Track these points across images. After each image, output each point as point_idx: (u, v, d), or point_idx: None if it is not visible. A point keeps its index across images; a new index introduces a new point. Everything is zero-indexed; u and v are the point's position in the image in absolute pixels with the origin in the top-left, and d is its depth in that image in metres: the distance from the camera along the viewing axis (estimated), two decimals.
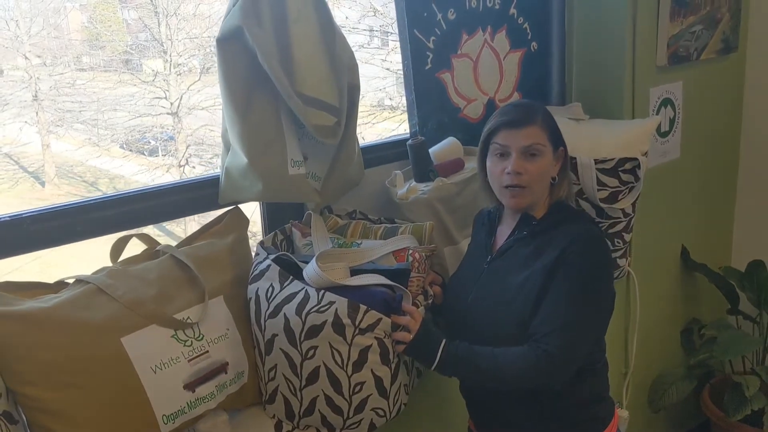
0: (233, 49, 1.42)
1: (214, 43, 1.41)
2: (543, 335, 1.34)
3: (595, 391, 1.50)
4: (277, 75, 1.41)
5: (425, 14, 1.82)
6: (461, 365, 1.39)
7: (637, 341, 2.34)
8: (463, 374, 1.44)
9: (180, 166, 6.34)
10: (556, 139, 1.45)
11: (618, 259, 1.99)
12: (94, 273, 1.35)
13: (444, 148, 1.86)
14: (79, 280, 1.32)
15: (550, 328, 1.34)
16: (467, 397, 1.60)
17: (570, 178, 1.52)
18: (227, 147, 1.54)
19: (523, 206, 1.44)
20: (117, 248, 1.43)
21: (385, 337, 1.38)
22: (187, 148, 6.40)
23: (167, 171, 6.51)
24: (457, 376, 1.46)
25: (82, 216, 1.42)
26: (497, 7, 1.98)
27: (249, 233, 1.62)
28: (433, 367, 1.40)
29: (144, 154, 6.94)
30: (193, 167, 6.31)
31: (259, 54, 1.39)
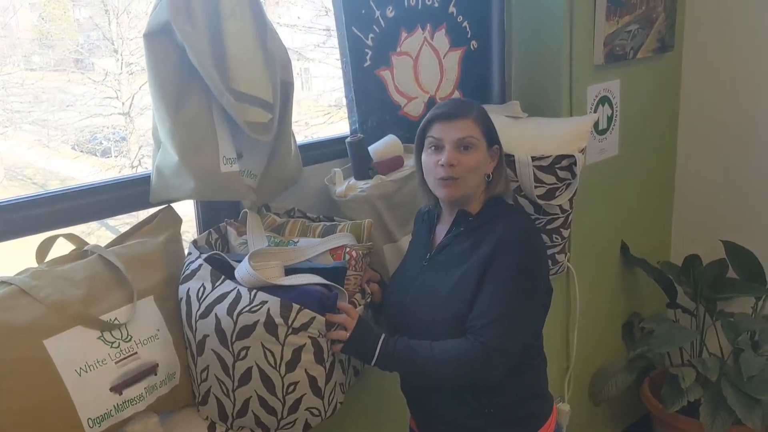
0: (162, 44, 1.39)
1: (141, 38, 1.39)
2: (478, 327, 1.35)
3: (532, 388, 1.51)
4: (208, 72, 1.39)
5: (363, 11, 1.82)
6: (400, 360, 1.39)
7: (578, 336, 2.38)
8: (402, 369, 1.44)
9: (133, 167, 6.21)
10: (491, 136, 1.47)
11: (557, 255, 2.02)
12: (17, 274, 1.32)
13: (384, 146, 1.86)
14: (1, 281, 1.28)
15: (484, 320, 1.35)
16: (408, 395, 1.60)
17: (506, 176, 1.54)
18: (158, 145, 1.51)
19: (455, 197, 1.45)
20: (43, 248, 1.39)
21: (319, 336, 1.37)
22: (139, 149, 6.27)
23: (119, 172, 6.37)
24: (397, 371, 1.46)
25: (7, 215, 1.38)
26: (436, 5, 1.99)
27: (183, 232, 1.59)
28: (372, 363, 1.40)
29: (96, 155, 6.78)
30: (146, 168, 6.18)
31: (188, 50, 1.37)
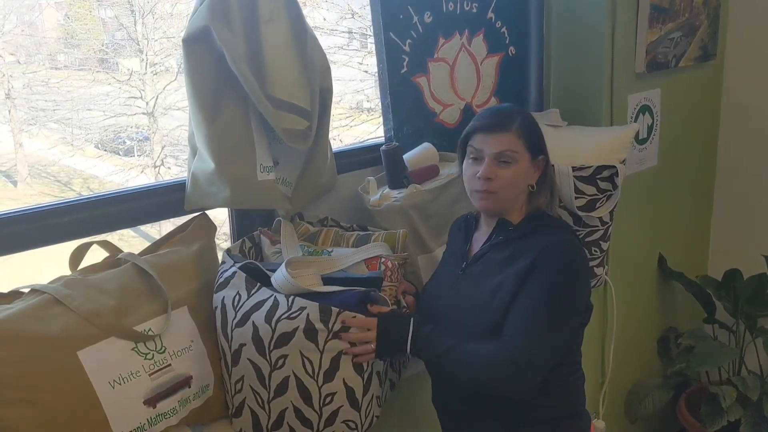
0: (200, 49, 1.38)
1: (180, 42, 1.36)
2: (508, 338, 1.32)
3: (569, 406, 1.47)
4: (246, 78, 1.36)
5: (401, 16, 1.79)
6: (432, 346, 1.36)
7: (614, 350, 2.32)
8: (433, 356, 1.38)
9: (155, 166, 6.25)
10: (535, 148, 1.42)
11: (595, 268, 1.96)
12: (50, 282, 1.29)
13: (419, 154, 1.83)
14: (35, 290, 1.26)
15: (515, 332, 1.32)
16: (440, 410, 1.56)
17: (552, 187, 1.49)
18: (194, 151, 1.49)
19: (490, 210, 1.43)
20: (76, 256, 1.38)
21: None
22: (162, 149, 6.31)
23: (142, 171, 6.41)
24: (428, 359, 1.41)
25: (43, 221, 1.37)
26: (475, 10, 1.95)
27: (217, 240, 1.57)
28: (408, 351, 1.36)
29: (119, 154, 6.83)
30: (169, 168, 6.22)
31: (227, 56, 1.35)
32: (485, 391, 1.39)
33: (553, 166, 1.50)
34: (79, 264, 1.37)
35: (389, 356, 1.44)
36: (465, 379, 1.37)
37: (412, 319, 1.38)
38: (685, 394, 2.60)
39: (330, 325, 1.31)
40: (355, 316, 1.33)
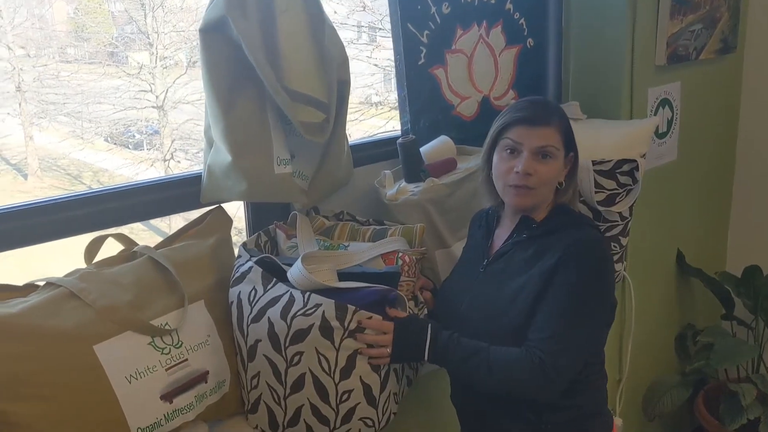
0: (217, 40, 1.35)
1: (197, 33, 1.34)
2: (535, 342, 1.29)
3: (592, 405, 1.44)
4: (263, 69, 1.34)
5: (419, 7, 1.76)
6: (452, 355, 1.33)
7: (631, 347, 2.29)
8: (453, 364, 1.36)
9: (165, 160, 6.25)
10: (569, 144, 1.39)
11: (614, 264, 1.94)
12: (66, 275, 1.28)
13: (436, 148, 1.80)
14: (50, 283, 1.24)
15: (544, 335, 1.29)
16: (459, 408, 1.54)
17: (576, 184, 1.46)
18: (210, 144, 1.47)
19: (526, 207, 1.39)
20: (91, 249, 1.36)
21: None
22: (172, 143, 6.31)
23: (152, 165, 6.42)
24: (448, 367, 1.39)
25: (55, 215, 1.35)
26: (493, 1, 1.92)
27: (232, 234, 1.55)
28: (426, 358, 1.33)
29: (128, 148, 6.84)
30: (179, 162, 6.22)
31: (244, 46, 1.32)
32: (510, 395, 1.36)
33: None
34: (94, 257, 1.35)
35: (405, 361, 1.41)
36: (488, 385, 1.34)
37: (430, 325, 1.35)
38: (702, 391, 2.56)
39: (346, 324, 1.29)
40: (371, 317, 1.30)
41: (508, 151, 1.36)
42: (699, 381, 2.55)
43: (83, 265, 1.33)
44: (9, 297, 1.21)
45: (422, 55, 1.79)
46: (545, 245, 1.36)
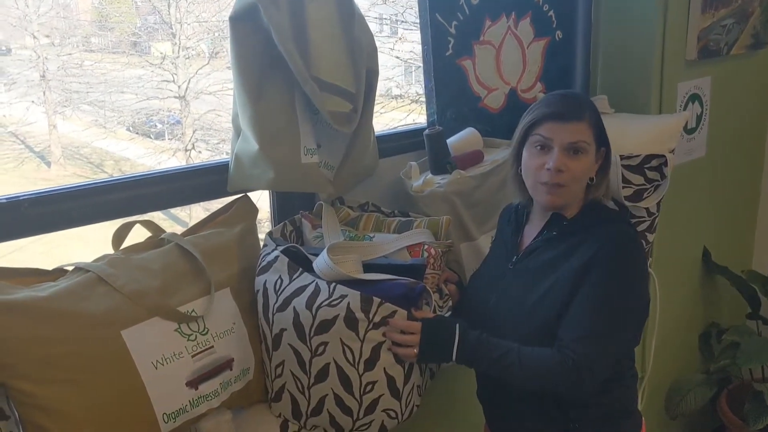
0: (247, 28, 1.35)
1: (227, 21, 1.34)
2: (567, 342, 1.27)
3: (622, 404, 1.42)
4: (293, 57, 1.33)
5: None
6: (481, 358, 1.31)
7: (655, 345, 2.27)
8: (482, 367, 1.34)
9: (186, 150, 6.29)
10: (600, 139, 1.37)
11: None
12: (94, 260, 1.28)
13: (463, 139, 1.79)
14: (79, 268, 1.25)
15: (577, 335, 1.26)
16: (486, 404, 1.53)
17: (608, 180, 1.43)
18: (238, 132, 1.46)
19: (558, 205, 1.36)
20: (120, 235, 1.36)
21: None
22: (193, 133, 6.35)
23: (173, 155, 6.47)
24: (477, 368, 1.38)
25: (83, 200, 1.36)
26: None
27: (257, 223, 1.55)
28: (453, 354, 1.31)
29: (150, 138, 6.90)
30: (200, 152, 6.26)
31: (274, 34, 1.32)
32: (541, 394, 1.35)
33: None
34: (122, 243, 1.36)
35: (432, 362, 1.40)
36: (519, 386, 1.33)
37: (458, 325, 1.33)
38: (726, 390, 2.53)
39: (371, 316, 1.28)
40: (396, 311, 1.29)
41: (539, 147, 1.33)
42: (722, 380, 2.52)
43: (101, 254, 1.33)
44: (39, 281, 1.22)
45: (450, 46, 1.77)
46: (576, 243, 1.34)
